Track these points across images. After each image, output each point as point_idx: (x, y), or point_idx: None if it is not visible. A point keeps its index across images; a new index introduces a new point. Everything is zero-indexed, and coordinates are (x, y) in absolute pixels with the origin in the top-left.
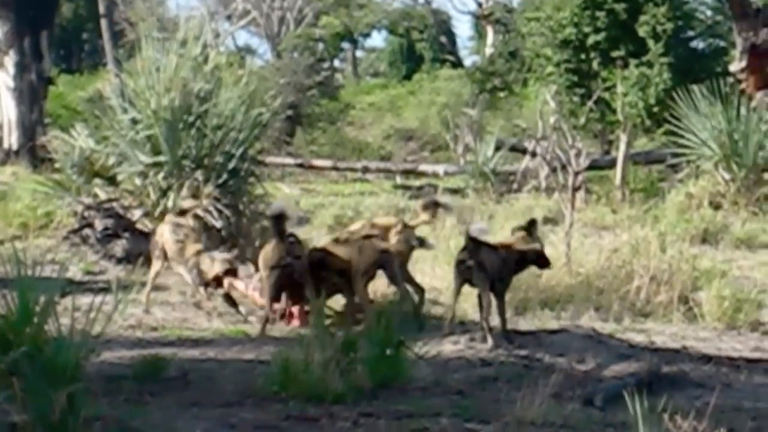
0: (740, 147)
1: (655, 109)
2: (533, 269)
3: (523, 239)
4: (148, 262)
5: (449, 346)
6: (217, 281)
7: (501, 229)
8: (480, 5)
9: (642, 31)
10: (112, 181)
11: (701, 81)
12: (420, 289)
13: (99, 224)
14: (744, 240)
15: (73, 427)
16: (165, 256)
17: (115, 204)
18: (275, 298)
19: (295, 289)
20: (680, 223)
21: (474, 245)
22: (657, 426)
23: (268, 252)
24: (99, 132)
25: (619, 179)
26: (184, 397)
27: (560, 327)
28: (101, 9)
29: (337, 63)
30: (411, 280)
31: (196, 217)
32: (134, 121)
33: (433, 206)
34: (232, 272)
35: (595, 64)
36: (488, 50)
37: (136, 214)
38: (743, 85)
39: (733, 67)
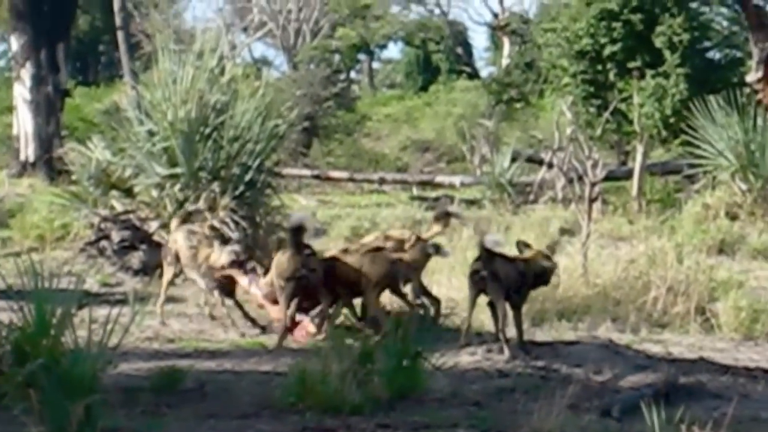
0: (757, 157)
1: (672, 120)
2: (550, 280)
3: (542, 255)
4: (164, 272)
5: (466, 357)
6: (227, 285)
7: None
8: (496, 16)
9: (658, 42)
10: (128, 192)
11: (718, 91)
12: (436, 301)
13: (116, 236)
14: (761, 250)
15: None
16: (178, 263)
17: (131, 216)
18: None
19: (304, 302)
20: (697, 234)
21: (488, 256)
22: None
23: (282, 262)
24: (116, 144)
25: (636, 190)
26: (201, 408)
27: (577, 338)
28: (117, 21)
29: (353, 74)
30: (427, 293)
31: (213, 228)
32: (151, 133)
33: (445, 217)
34: (238, 264)
35: (611, 75)
36: (504, 61)
37: (152, 225)
38: (760, 96)
39: (750, 78)
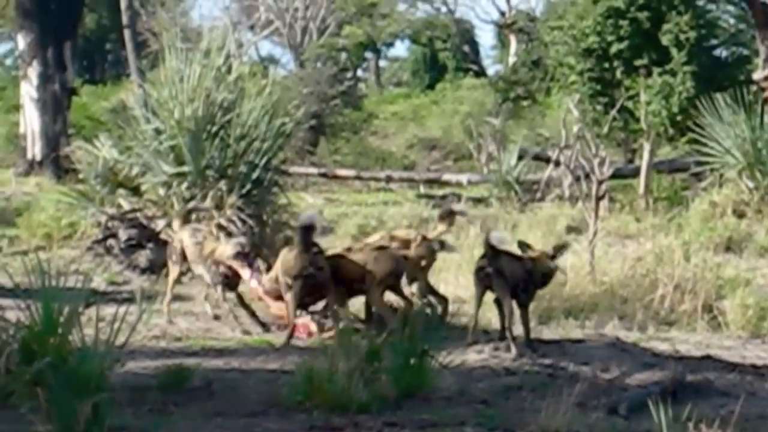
0: (764, 155)
1: (679, 118)
2: (556, 279)
3: (546, 256)
4: (170, 270)
5: (473, 355)
6: (231, 279)
7: (525, 238)
8: (503, 14)
9: (665, 40)
10: (135, 191)
11: (725, 89)
12: (444, 300)
13: (123, 234)
14: None
15: None
16: (184, 262)
17: (138, 214)
18: (298, 307)
19: (306, 298)
20: (704, 232)
21: (493, 252)
22: None
23: (289, 260)
24: (122, 142)
25: (643, 188)
26: (208, 407)
27: (584, 336)
28: (124, 19)
29: (360, 72)
30: (434, 291)
31: (219, 227)
32: (158, 132)
33: (450, 215)
34: (243, 256)
35: (618, 73)
36: (511, 59)
37: (159, 224)
38: (767, 94)
39: (757, 76)
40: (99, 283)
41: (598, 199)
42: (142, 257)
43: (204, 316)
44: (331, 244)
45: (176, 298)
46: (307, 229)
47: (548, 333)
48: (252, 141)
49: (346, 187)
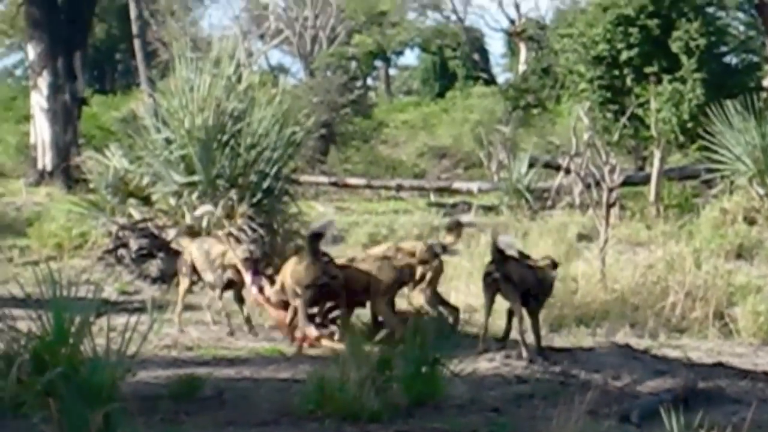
0: None
1: (689, 125)
2: (567, 287)
3: (548, 265)
4: (181, 281)
5: (485, 364)
6: (236, 285)
7: (536, 246)
8: (513, 22)
9: (675, 47)
10: (146, 200)
11: (735, 96)
12: (455, 310)
13: (134, 244)
14: None
15: None
16: (194, 273)
17: (149, 224)
18: (310, 317)
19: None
20: (715, 239)
21: (500, 257)
22: None
23: (300, 271)
24: (133, 152)
25: (654, 195)
26: (219, 416)
27: (596, 343)
28: (134, 29)
29: (370, 81)
30: (444, 302)
31: (230, 235)
32: (168, 141)
33: (457, 227)
34: (251, 261)
35: (628, 80)
36: (521, 67)
37: (170, 233)
38: None
39: (767, 82)
40: (110, 292)
41: (609, 206)
42: (153, 267)
43: (215, 325)
44: (341, 253)
45: (187, 307)
46: (315, 237)
47: (559, 341)
48: (262, 150)
49: (357, 196)
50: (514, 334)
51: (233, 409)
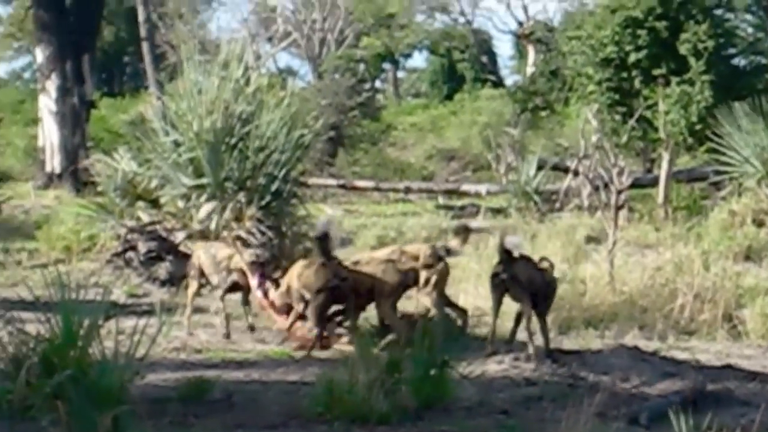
0: None
1: (697, 127)
2: (576, 289)
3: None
4: (189, 284)
5: (493, 366)
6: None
7: (545, 248)
8: (521, 24)
9: (683, 49)
10: (155, 203)
11: (743, 98)
12: (463, 312)
13: (142, 247)
14: None
15: None
16: (202, 276)
17: (158, 227)
18: (321, 320)
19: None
20: (723, 241)
21: (508, 257)
22: None
23: (309, 275)
24: (141, 155)
25: (662, 197)
26: (228, 419)
27: (604, 346)
28: (142, 32)
29: (378, 84)
30: (452, 304)
31: (239, 239)
32: (176, 144)
33: (465, 231)
34: (258, 265)
35: (636, 83)
36: (529, 69)
37: (179, 236)
38: None
39: None
40: (119, 295)
41: (618, 208)
42: (162, 270)
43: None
44: (348, 256)
45: (196, 310)
46: (324, 238)
47: (568, 343)
48: (271, 153)
49: (365, 199)
50: (522, 337)
51: (242, 411)
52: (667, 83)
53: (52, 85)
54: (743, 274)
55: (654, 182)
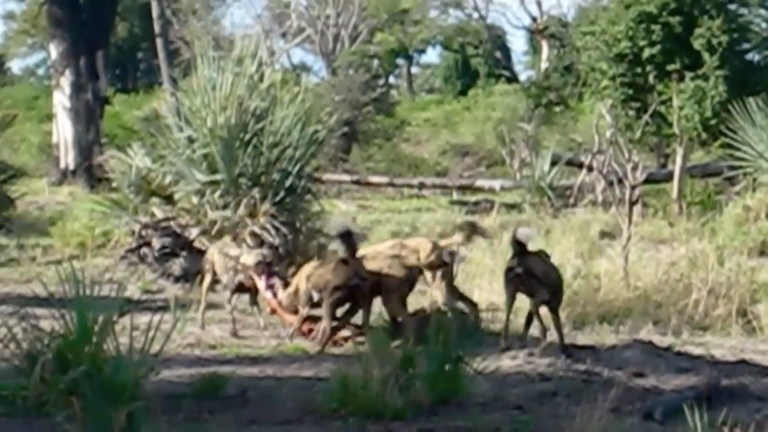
0: None
1: (712, 122)
2: (590, 284)
3: None
4: (204, 279)
5: (508, 361)
6: (251, 289)
7: (559, 244)
8: (535, 20)
9: (697, 44)
10: (169, 199)
11: (757, 93)
12: (474, 305)
13: (156, 243)
14: None
15: None
16: (214, 273)
17: (172, 223)
18: (334, 317)
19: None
20: (738, 236)
21: (521, 250)
22: None
23: (324, 274)
24: (155, 151)
25: (676, 192)
26: (243, 414)
27: (619, 341)
28: (156, 28)
29: (392, 79)
30: (463, 297)
31: (253, 235)
32: (190, 140)
33: (470, 228)
34: (264, 265)
35: (650, 78)
36: (543, 65)
37: (193, 232)
38: None
39: None
40: (133, 291)
41: (632, 204)
42: (176, 265)
43: (237, 324)
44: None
45: (210, 306)
46: (348, 236)
47: (582, 338)
48: (285, 148)
49: (379, 194)
50: (536, 332)
51: (256, 407)
52: (681, 78)
53: (66, 81)
54: (758, 270)
55: (668, 177)
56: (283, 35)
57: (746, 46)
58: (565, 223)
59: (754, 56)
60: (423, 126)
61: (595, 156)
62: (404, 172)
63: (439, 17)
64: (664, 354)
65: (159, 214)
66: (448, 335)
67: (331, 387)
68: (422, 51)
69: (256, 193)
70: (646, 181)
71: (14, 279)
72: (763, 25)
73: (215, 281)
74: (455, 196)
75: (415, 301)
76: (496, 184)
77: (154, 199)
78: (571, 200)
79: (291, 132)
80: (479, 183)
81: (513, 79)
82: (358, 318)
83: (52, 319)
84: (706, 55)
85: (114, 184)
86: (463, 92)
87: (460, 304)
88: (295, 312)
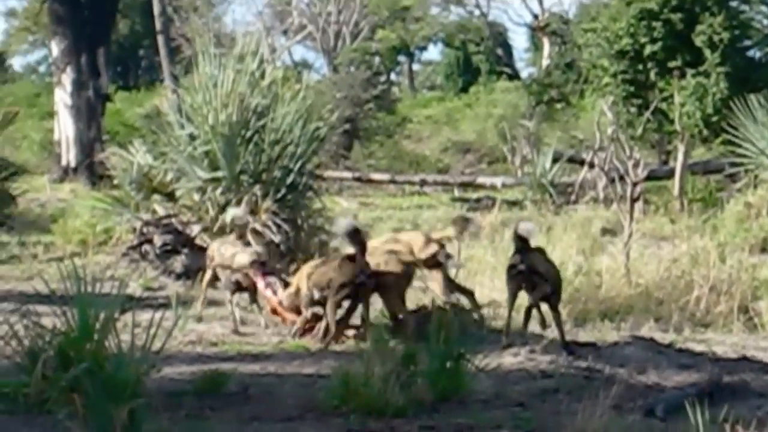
0: None
1: (713, 119)
2: (592, 281)
3: None
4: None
5: (509, 358)
6: (249, 288)
7: (560, 241)
8: (536, 17)
9: (699, 41)
10: (170, 196)
11: (758, 90)
12: (470, 293)
13: (158, 240)
14: None
15: None
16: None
17: (173, 220)
18: (345, 314)
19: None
20: (739, 233)
21: (523, 245)
22: None
23: (327, 271)
24: (157, 148)
25: (678, 189)
26: (244, 411)
27: (620, 338)
28: (158, 25)
29: (393, 76)
30: (458, 287)
31: (255, 232)
32: (192, 137)
33: (462, 222)
34: (259, 264)
35: (651, 75)
36: (545, 62)
37: (194, 229)
38: None
39: None
40: (134, 288)
41: (633, 201)
42: (178, 263)
43: (239, 321)
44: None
45: (212, 303)
46: (356, 233)
47: (584, 335)
48: (286, 146)
49: (381, 191)
50: (538, 329)
51: (258, 404)
52: (683, 75)
53: (67, 78)
54: (759, 266)
55: (669, 174)
56: (285, 32)
57: (748, 42)
58: (567, 220)
59: (755, 53)
60: (424, 123)
61: (597, 153)
62: (405, 169)
63: (440, 14)
64: (665, 351)
65: (160, 211)
66: (450, 332)
67: (332, 384)
68: (423, 48)
69: (257, 190)
70: (648, 178)
71: (16, 276)
72: (765, 21)
73: (216, 278)
74: (457, 193)
75: (415, 298)
76: (498, 181)
77: (156, 197)
78: (573, 197)
79: (292, 129)
80: (480, 180)
81: (514, 76)
82: (357, 317)
83: (54, 317)
84: (707, 52)
85: (115, 182)
86: (465, 89)
87: (458, 297)
88: (296, 311)
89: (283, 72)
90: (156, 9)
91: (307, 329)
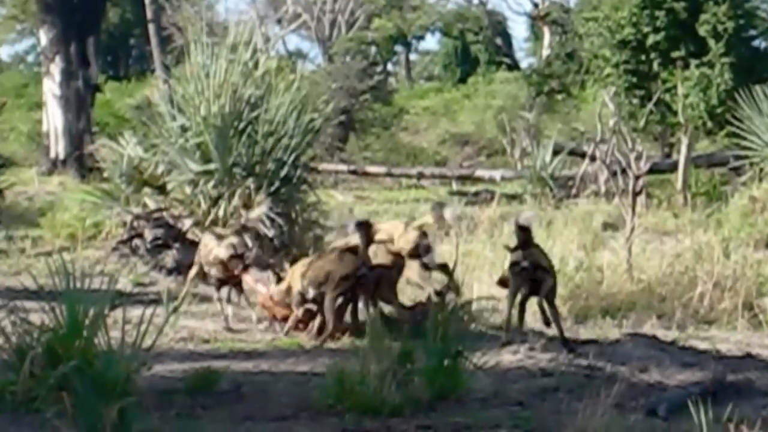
0: None
1: (717, 111)
2: (593, 277)
3: None
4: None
5: (508, 356)
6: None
7: (561, 235)
8: (536, 6)
9: (702, 31)
10: (161, 190)
11: (764, 81)
12: (443, 266)
13: (148, 234)
14: None
15: None
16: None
17: (164, 213)
18: (338, 309)
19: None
20: (744, 228)
21: (524, 236)
22: None
23: (325, 265)
24: (148, 140)
25: (681, 183)
26: (237, 410)
27: (622, 335)
28: (149, 14)
29: (390, 67)
30: (440, 267)
31: (244, 227)
32: (183, 129)
33: (440, 209)
34: (237, 257)
35: (654, 65)
36: (545, 52)
37: (186, 223)
38: None
39: None
40: (125, 284)
41: (635, 194)
42: (169, 257)
43: (232, 318)
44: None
45: (203, 299)
46: (366, 226)
47: (585, 332)
48: (280, 137)
49: (377, 184)
50: (537, 327)
51: (251, 403)
52: (686, 66)
53: (56, 68)
54: (764, 262)
55: (673, 167)
56: (279, 21)
57: (752, 32)
58: (567, 214)
59: (760, 43)
60: (422, 114)
61: (598, 145)
62: (402, 161)
63: (438, 3)
64: (668, 348)
65: (151, 204)
66: (447, 330)
67: (327, 382)
68: (421, 37)
69: (250, 183)
70: (650, 171)
71: (3, 271)
72: None
73: (204, 273)
74: (455, 186)
75: (412, 294)
76: (497, 174)
77: (147, 190)
78: (574, 191)
79: (286, 120)
80: (479, 173)
81: (514, 66)
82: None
83: (42, 313)
84: (711, 42)
85: (105, 174)
86: (463, 80)
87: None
88: (287, 306)
89: (277, 62)
90: None
91: (300, 326)
